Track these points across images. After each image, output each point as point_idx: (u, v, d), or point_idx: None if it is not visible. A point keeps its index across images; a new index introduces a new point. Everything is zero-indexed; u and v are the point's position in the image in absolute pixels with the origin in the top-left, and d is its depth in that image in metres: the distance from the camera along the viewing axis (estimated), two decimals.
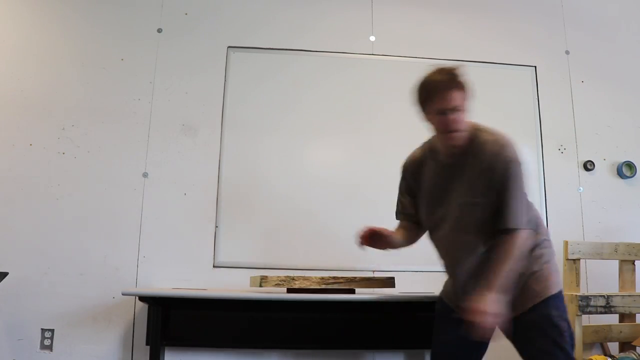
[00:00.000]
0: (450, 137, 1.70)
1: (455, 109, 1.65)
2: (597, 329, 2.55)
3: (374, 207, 2.80)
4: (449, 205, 1.76)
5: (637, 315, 2.62)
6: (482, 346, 1.83)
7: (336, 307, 2.43)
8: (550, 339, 1.68)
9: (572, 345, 1.72)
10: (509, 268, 1.63)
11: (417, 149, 1.92)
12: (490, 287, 1.60)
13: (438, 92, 1.65)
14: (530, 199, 1.79)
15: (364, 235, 1.84)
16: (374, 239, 1.85)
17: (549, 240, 1.83)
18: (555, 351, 1.67)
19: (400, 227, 1.95)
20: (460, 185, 1.73)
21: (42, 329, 2.57)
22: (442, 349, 1.86)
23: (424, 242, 2.74)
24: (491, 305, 1.57)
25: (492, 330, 1.59)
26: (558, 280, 1.77)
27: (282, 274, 2.32)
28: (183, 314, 2.43)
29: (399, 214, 1.95)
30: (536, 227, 1.78)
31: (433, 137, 1.82)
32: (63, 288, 2.60)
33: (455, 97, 1.64)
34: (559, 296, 1.74)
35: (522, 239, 1.66)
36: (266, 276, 2.16)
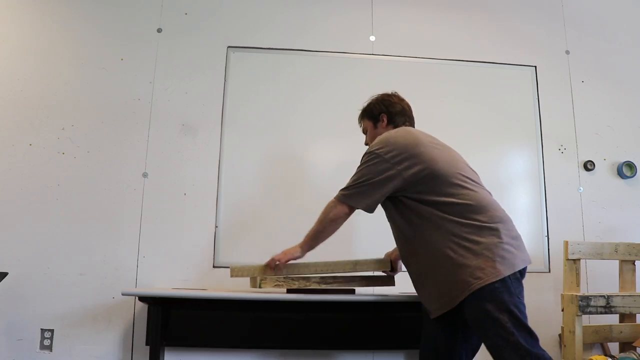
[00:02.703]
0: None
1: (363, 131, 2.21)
2: (597, 329, 2.55)
3: None
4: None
5: (637, 315, 2.62)
6: (456, 340, 1.87)
7: (336, 307, 2.43)
8: (493, 333, 1.66)
9: (524, 327, 1.65)
10: (316, 228, 2.00)
11: None
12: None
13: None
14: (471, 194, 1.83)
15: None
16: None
17: (496, 229, 1.74)
18: (502, 344, 1.65)
19: None
20: None
21: (41, 329, 2.57)
22: (425, 347, 1.95)
23: None
24: (286, 252, 2.06)
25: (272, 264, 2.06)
26: (499, 269, 1.69)
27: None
28: (183, 314, 2.43)
29: None
30: (461, 213, 1.76)
31: None
32: (63, 288, 2.60)
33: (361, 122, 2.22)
34: (497, 286, 1.67)
35: (333, 207, 1.95)
36: (266, 276, 2.16)
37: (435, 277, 1.79)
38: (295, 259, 2.06)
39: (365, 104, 2.17)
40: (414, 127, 2.12)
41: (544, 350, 1.68)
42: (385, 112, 2.10)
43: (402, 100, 2.14)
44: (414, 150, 1.84)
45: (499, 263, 1.69)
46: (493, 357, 1.70)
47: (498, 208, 1.82)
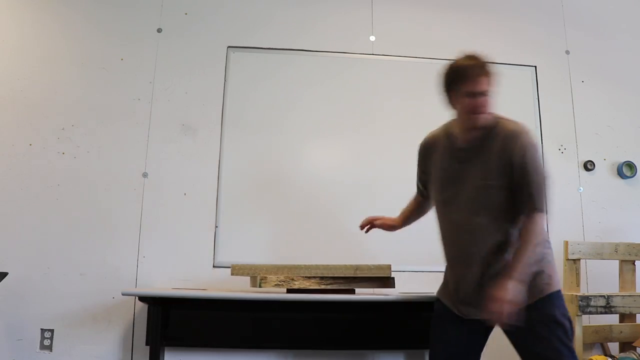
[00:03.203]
0: (475, 118, 1.79)
1: (483, 93, 1.78)
2: (598, 329, 2.55)
3: (374, 206, 2.80)
4: (462, 186, 1.80)
5: (637, 315, 2.62)
6: (480, 345, 1.84)
7: (336, 307, 2.43)
8: (555, 336, 1.70)
9: (573, 333, 1.77)
10: (529, 254, 1.67)
11: (435, 130, 2.02)
12: (512, 274, 1.64)
13: (469, 75, 1.79)
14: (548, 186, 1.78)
15: (364, 224, 2.15)
16: (375, 225, 2.15)
17: (549, 242, 1.85)
18: (562, 349, 1.69)
19: (414, 199, 2.16)
20: (475, 168, 1.79)
21: (41, 329, 2.57)
22: (442, 349, 1.86)
23: (424, 243, 2.74)
24: (513, 293, 1.61)
25: (512, 318, 1.61)
26: (559, 280, 1.81)
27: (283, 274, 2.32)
28: (183, 314, 2.43)
29: (417, 187, 2.11)
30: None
31: (452, 120, 1.92)
32: (63, 288, 2.60)
33: (484, 81, 1.78)
34: (560, 295, 1.78)
35: (541, 222, 1.70)
36: (266, 276, 2.16)
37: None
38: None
39: (485, 60, 1.87)
40: None
41: None
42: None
43: None
44: None
45: (558, 275, 1.82)
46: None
47: None
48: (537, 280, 1.75)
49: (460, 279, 1.82)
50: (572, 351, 1.71)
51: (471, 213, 1.77)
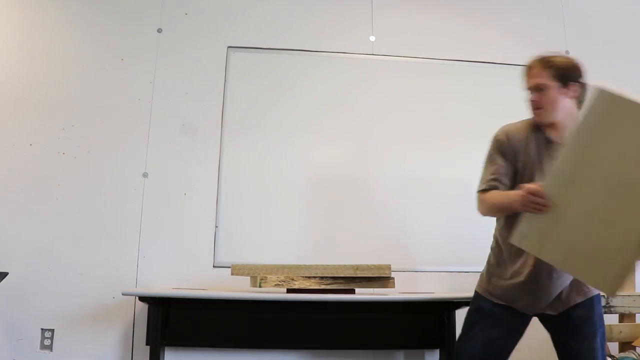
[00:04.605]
0: (535, 113, 1.79)
1: (537, 87, 1.74)
2: None
3: (373, 206, 2.81)
4: None
5: (637, 315, 2.62)
6: (512, 344, 1.85)
7: (336, 307, 2.43)
8: (601, 333, 1.76)
9: None
10: None
11: (516, 124, 1.89)
12: None
13: (526, 72, 1.79)
14: None
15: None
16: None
17: None
18: (602, 344, 1.74)
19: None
20: None
21: (42, 329, 2.57)
22: (483, 345, 1.82)
23: (425, 244, 2.74)
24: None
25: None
26: None
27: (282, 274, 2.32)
28: (183, 314, 2.43)
29: (493, 181, 1.80)
30: None
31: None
32: (63, 288, 2.60)
33: (539, 75, 1.74)
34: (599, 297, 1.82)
35: None
36: (266, 276, 2.17)
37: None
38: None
39: (560, 59, 1.79)
40: None
41: None
42: (580, 84, 1.81)
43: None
44: None
45: None
46: (591, 355, 1.73)
47: None
48: (580, 281, 1.76)
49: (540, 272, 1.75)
50: (606, 351, 1.78)
51: None
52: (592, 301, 1.78)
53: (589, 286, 1.76)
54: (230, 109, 2.88)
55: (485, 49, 3.11)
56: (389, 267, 2.30)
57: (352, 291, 2.31)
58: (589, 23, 3.24)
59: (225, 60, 2.93)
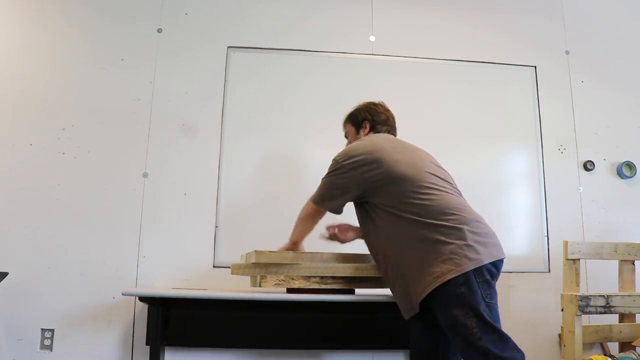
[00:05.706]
0: None
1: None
2: (597, 329, 2.55)
3: None
4: None
5: (637, 315, 2.63)
6: (445, 341, 1.88)
7: (336, 307, 2.43)
8: (462, 339, 1.69)
9: (492, 331, 1.66)
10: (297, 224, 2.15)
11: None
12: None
13: None
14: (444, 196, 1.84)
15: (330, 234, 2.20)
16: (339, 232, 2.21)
17: (460, 230, 1.75)
18: (471, 351, 1.66)
19: None
20: None
21: (42, 329, 2.57)
22: (412, 343, 2.00)
23: None
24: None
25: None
26: (461, 265, 1.70)
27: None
28: (183, 314, 2.43)
29: None
30: (426, 215, 1.78)
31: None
32: (63, 288, 2.60)
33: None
34: (463, 290, 1.69)
35: (307, 206, 2.13)
36: (265, 276, 2.16)
37: (404, 279, 1.82)
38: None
39: (351, 110, 2.25)
40: (395, 136, 2.19)
41: (517, 351, 1.68)
42: (369, 119, 2.18)
43: (388, 110, 2.23)
44: (373, 156, 1.89)
45: (460, 262, 1.70)
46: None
47: (464, 209, 1.82)
48: (423, 277, 1.77)
49: None
50: (483, 350, 1.64)
51: (362, 229, 2.11)
52: (441, 301, 1.77)
53: None
54: (230, 109, 2.88)
55: (485, 49, 3.11)
56: None
57: (351, 291, 2.30)
58: (589, 23, 3.24)
59: (225, 60, 2.93)
